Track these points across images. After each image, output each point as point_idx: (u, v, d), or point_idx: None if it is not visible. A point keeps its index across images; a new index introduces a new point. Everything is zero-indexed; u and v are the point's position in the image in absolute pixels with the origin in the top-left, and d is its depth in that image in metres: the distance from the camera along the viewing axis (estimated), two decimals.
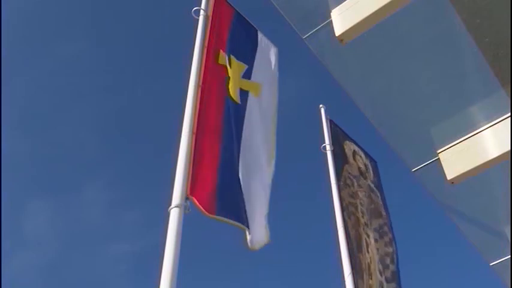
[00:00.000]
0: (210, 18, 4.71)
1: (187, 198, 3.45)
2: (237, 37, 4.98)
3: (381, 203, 6.51)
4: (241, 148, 4.26)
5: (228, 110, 4.33)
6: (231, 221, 3.68)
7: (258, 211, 4.02)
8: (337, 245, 5.41)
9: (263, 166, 4.39)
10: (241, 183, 4.02)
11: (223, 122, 4.18)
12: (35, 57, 16.56)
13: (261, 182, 4.25)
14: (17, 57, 15.82)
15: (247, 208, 3.90)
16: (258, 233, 3.88)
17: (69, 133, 17.20)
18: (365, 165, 6.80)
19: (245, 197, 3.95)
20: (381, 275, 5.65)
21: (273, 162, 4.49)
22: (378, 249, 5.86)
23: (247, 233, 3.72)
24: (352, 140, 6.92)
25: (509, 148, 3.71)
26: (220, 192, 3.74)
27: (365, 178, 6.57)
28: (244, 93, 4.69)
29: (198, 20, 4.73)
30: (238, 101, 4.55)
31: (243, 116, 4.53)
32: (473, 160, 3.88)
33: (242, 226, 3.72)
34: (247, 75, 4.88)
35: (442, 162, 4.03)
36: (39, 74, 16.60)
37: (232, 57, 4.76)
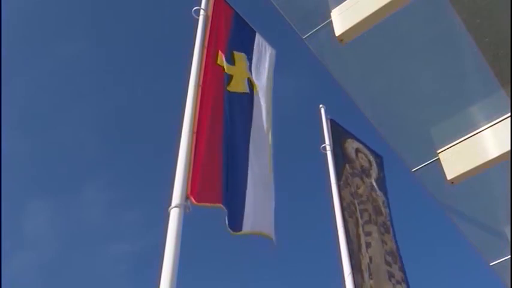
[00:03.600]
0: (210, 18, 4.72)
1: (187, 198, 3.45)
2: (237, 35, 5.00)
3: (383, 201, 6.49)
4: (251, 138, 4.32)
5: (230, 107, 4.34)
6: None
7: (266, 204, 4.06)
8: (337, 245, 5.42)
9: (265, 164, 4.40)
10: (249, 175, 4.06)
11: (224, 120, 4.19)
12: (35, 57, 16.57)
13: (265, 179, 4.27)
14: (17, 57, 15.83)
15: (253, 197, 3.94)
16: (264, 222, 3.91)
17: (69, 133, 17.22)
18: (369, 162, 6.77)
19: (249, 183, 3.99)
20: (387, 270, 5.65)
21: (271, 165, 4.49)
22: (382, 245, 5.86)
23: (243, 228, 3.73)
24: (354, 137, 6.88)
25: (509, 148, 3.71)
26: (225, 186, 3.76)
27: (368, 176, 6.55)
28: (251, 84, 4.75)
29: (198, 19, 4.73)
30: (247, 90, 4.61)
31: (252, 104, 4.59)
32: (473, 160, 3.88)
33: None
34: (250, 71, 4.91)
35: (442, 162, 4.03)
36: (39, 74, 16.62)
37: (236, 52, 4.79)
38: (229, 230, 3.62)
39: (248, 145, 4.31)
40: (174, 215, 3.33)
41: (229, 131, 4.18)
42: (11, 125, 15.84)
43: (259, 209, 3.99)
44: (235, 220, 3.74)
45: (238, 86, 4.58)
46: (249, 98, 4.65)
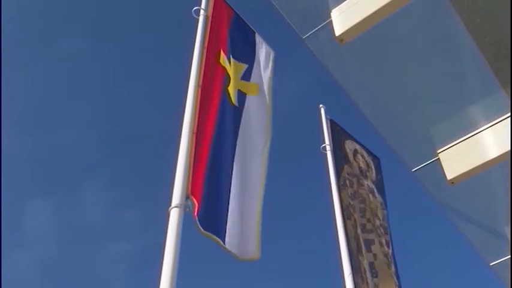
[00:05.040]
0: (210, 18, 4.71)
1: (187, 198, 3.44)
2: (236, 38, 4.97)
3: (380, 203, 6.48)
4: (236, 153, 4.20)
5: (223, 113, 4.30)
6: (208, 233, 3.50)
7: (249, 221, 3.91)
8: (337, 245, 5.41)
9: (255, 176, 4.24)
10: (231, 190, 3.93)
11: (216, 125, 4.13)
12: (35, 56, 16.57)
13: (252, 193, 4.11)
14: (17, 55, 15.83)
15: (234, 217, 3.78)
16: (248, 244, 3.76)
17: (69, 132, 17.23)
18: (366, 163, 6.76)
19: (232, 203, 3.83)
20: (388, 270, 5.65)
21: (266, 171, 4.31)
22: (381, 245, 5.85)
23: (226, 245, 3.57)
24: (353, 138, 6.87)
25: (509, 148, 3.71)
26: (205, 198, 3.65)
27: (365, 178, 6.54)
28: (241, 96, 4.66)
29: (198, 19, 4.73)
30: (236, 103, 4.52)
31: (240, 119, 4.48)
32: (473, 160, 3.88)
33: (216, 239, 3.54)
34: (247, 75, 4.87)
35: (442, 162, 4.03)
36: (39, 72, 16.62)
37: (231, 58, 4.75)
38: (201, 231, 3.43)
39: (233, 157, 4.16)
40: (174, 215, 3.33)
41: (218, 136, 4.09)
42: (11, 123, 15.85)
43: (244, 229, 3.80)
44: (217, 228, 3.59)
45: (231, 95, 4.53)
46: (237, 111, 4.51)
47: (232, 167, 4.06)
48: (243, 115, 4.53)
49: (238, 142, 4.28)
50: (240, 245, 3.70)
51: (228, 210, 3.77)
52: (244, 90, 4.72)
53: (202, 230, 3.43)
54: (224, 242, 3.58)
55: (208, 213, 3.57)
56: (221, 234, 3.61)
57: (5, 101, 15.06)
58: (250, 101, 4.70)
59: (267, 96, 4.92)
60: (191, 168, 3.62)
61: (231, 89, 4.50)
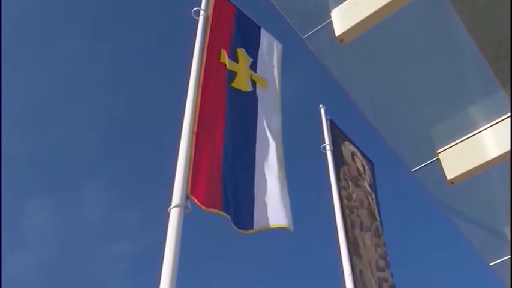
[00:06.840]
0: (210, 18, 4.71)
1: (187, 198, 3.44)
2: (241, 32, 4.99)
3: (375, 206, 6.49)
4: (257, 137, 4.31)
5: (231, 105, 4.34)
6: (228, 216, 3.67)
7: (280, 198, 4.09)
8: (337, 245, 5.41)
9: (274, 162, 4.35)
10: (255, 176, 4.06)
11: (225, 120, 4.18)
12: (35, 56, 16.57)
13: (275, 177, 4.25)
14: (16, 55, 15.83)
15: (264, 194, 3.98)
16: (279, 214, 3.97)
17: (69, 132, 17.21)
18: (363, 166, 6.78)
19: (257, 189, 4.00)
20: (376, 275, 5.64)
21: (282, 161, 4.43)
22: (375, 250, 5.85)
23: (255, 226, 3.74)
24: (350, 140, 6.90)
25: (509, 148, 3.71)
26: (224, 189, 3.74)
27: (363, 180, 6.55)
28: (253, 83, 4.76)
29: (197, 20, 4.72)
30: (251, 88, 4.61)
31: (256, 103, 4.60)
32: (473, 160, 3.89)
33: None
34: (253, 68, 4.91)
35: (442, 162, 4.03)
36: (39, 72, 16.62)
37: (239, 49, 4.79)
38: (237, 230, 3.63)
39: (254, 144, 4.29)
40: (174, 215, 3.33)
41: (231, 130, 4.16)
42: (11, 123, 15.84)
43: (272, 204, 4.00)
44: (244, 220, 3.74)
45: (241, 83, 4.58)
46: (253, 95, 4.65)
47: (254, 156, 4.20)
48: (259, 101, 4.65)
49: (258, 127, 4.44)
50: (272, 217, 3.94)
51: (254, 196, 3.96)
52: (254, 79, 4.79)
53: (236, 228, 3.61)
54: (251, 225, 3.78)
55: (236, 211, 3.71)
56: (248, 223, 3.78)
57: (5, 101, 15.04)
58: (260, 91, 4.79)
59: (275, 91, 4.97)
60: (191, 169, 3.62)
61: (242, 78, 4.59)
